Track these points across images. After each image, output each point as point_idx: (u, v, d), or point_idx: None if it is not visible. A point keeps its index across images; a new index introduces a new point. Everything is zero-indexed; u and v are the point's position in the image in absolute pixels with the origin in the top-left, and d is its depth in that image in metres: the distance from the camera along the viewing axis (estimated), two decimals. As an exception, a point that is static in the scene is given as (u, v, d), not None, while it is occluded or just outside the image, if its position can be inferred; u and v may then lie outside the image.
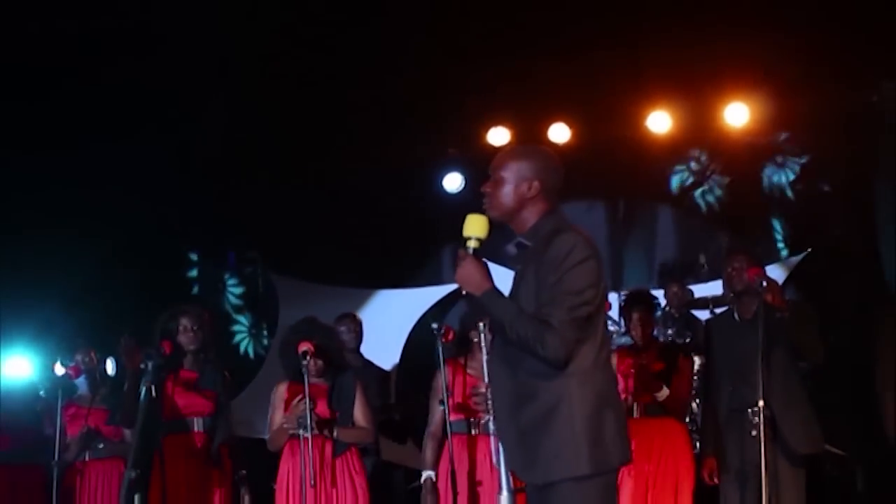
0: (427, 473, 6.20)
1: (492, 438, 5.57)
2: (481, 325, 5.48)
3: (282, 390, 6.20)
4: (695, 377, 8.62)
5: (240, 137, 9.25)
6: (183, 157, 9.04)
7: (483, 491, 5.97)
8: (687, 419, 8.41)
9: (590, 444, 3.86)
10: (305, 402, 5.90)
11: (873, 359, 6.71)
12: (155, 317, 6.36)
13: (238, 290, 10.76)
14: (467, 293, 4.01)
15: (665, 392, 6.45)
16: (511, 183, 4.06)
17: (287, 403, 6.08)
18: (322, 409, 6.06)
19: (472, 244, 3.99)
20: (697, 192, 10.00)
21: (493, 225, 4.04)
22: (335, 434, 6.08)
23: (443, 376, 6.00)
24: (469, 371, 6.28)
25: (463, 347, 6.33)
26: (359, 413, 6.22)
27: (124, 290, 8.84)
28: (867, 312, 8.09)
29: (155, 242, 9.40)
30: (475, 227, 3.99)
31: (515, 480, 5.63)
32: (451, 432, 5.98)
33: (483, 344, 5.36)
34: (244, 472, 6.35)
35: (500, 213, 4.08)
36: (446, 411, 6.03)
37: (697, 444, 8.08)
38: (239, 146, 9.35)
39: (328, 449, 6.09)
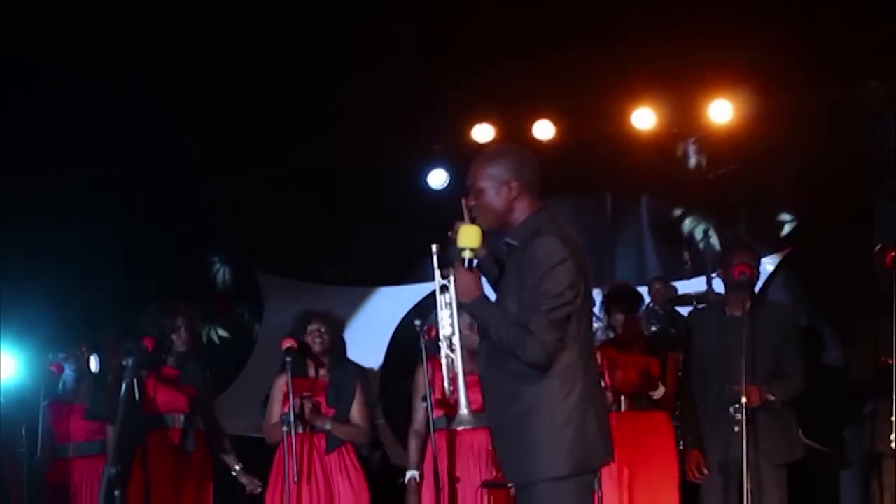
0: (411, 473, 6.18)
1: None
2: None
3: (280, 383, 6.16)
4: (679, 373, 8.64)
5: (226, 135, 9.22)
6: (170, 155, 9.01)
7: (461, 487, 5.96)
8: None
9: (569, 445, 3.89)
10: (290, 399, 5.90)
11: (850, 360, 6.74)
12: (142, 312, 6.34)
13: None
14: (459, 301, 4.03)
15: (661, 391, 6.42)
16: (492, 190, 4.09)
17: (286, 397, 6.04)
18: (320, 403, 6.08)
19: (466, 255, 4.03)
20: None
21: (486, 233, 4.06)
22: (328, 427, 6.06)
23: (424, 373, 5.98)
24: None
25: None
26: (355, 411, 6.21)
27: (112, 286, 8.80)
28: (848, 312, 8.08)
29: (142, 239, 9.37)
30: (468, 238, 4.04)
31: (498, 477, 5.66)
32: (433, 429, 5.97)
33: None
34: (240, 466, 6.35)
35: (492, 222, 4.12)
36: (429, 408, 6.01)
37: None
38: (225, 144, 9.32)
39: (321, 444, 6.08)
